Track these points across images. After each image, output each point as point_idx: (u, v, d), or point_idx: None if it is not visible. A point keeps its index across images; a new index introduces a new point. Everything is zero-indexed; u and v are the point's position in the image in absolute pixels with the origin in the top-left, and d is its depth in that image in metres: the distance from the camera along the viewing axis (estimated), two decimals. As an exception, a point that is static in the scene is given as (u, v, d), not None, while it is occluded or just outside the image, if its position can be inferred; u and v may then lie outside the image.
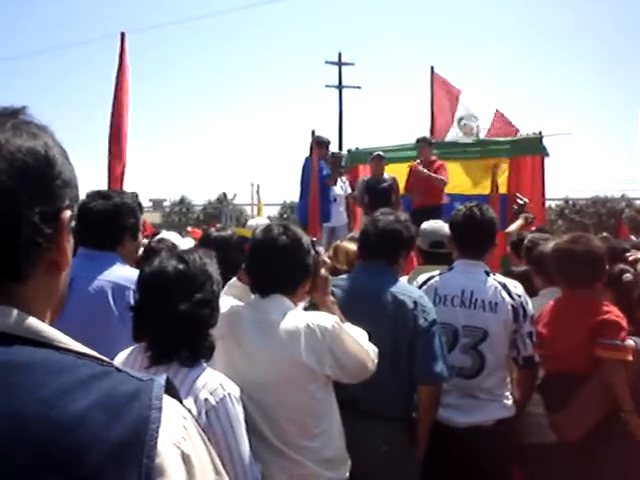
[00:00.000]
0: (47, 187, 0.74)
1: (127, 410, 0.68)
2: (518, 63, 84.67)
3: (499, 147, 8.33)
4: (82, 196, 2.46)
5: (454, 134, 9.44)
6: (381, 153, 7.65)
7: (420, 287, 2.92)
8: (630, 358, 2.70)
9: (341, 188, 7.86)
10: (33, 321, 0.72)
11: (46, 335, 0.72)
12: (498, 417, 2.80)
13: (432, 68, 9.83)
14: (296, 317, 2.19)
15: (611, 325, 2.75)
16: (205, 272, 1.88)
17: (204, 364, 1.86)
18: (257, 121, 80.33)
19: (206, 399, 1.76)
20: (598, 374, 2.74)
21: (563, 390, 2.81)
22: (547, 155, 8.04)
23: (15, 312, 0.71)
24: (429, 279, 2.98)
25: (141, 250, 3.09)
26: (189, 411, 0.78)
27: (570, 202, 32.07)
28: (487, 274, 2.91)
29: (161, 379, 0.74)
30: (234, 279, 2.44)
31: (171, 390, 0.75)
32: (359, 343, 2.23)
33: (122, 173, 4.88)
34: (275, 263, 2.22)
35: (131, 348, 1.97)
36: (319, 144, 7.53)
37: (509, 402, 2.86)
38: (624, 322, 2.78)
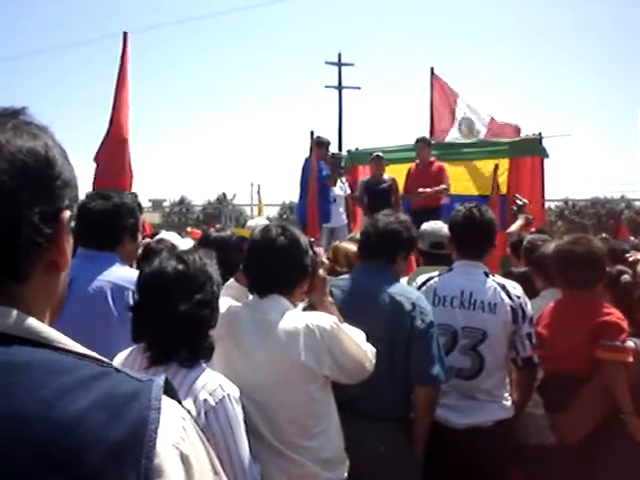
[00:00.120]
0: (47, 187, 0.74)
1: (126, 410, 0.68)
2: (518, 63, 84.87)
3: (499, 148, 8.33)
4: (82, 196, 2.46)
5: (454, 135, 9.45)
6: (380, 154, 7.65)
7: (419, 288, 2.92)
8: (630, 360, 2.70)
9: (341, 189, 7.84)
10: (33, 321, 0.72)
11: (46, 335, 0.72)
12: (497, 418, 2.79)
13: (432, 69, 9.87)
14: (295, 317, 2.19)
15: (611, 327, 2.75)
16: (205, 273, 1.88)
17: (203, 365, 1.86)
18: (257, 121, 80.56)
19: (205, 400, 1.76)
20: (598, 376, 2.74)
21: (563, 392, 2.80)
22: (547, 156, 8.03)
23: (15, 312, 0.71)
24: (428, 280, 2.98)
25: (140, 250, 3.09)
26: (188, 412, 0.78)
27: (570, 203, 32.05)
28: (486, 275, 2.91)
29: (160, 380, 0.74)
30: (231, 280, 2.43)
31: (170, 391, 0.75)
32: (357, 344, 2.24)
33: (130, 185, 4.90)
34: (273, 263, 2.22)
35: (130, 348, 1.96)
36: (319, 145, 7.52)
37: (508, 403, 2.86)
38: (624, 324, 2.77)
